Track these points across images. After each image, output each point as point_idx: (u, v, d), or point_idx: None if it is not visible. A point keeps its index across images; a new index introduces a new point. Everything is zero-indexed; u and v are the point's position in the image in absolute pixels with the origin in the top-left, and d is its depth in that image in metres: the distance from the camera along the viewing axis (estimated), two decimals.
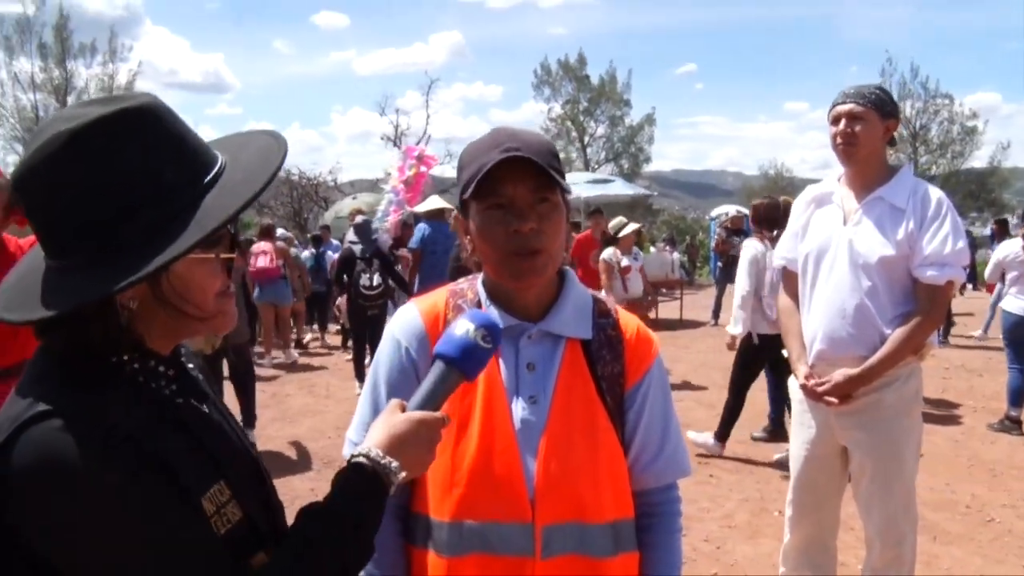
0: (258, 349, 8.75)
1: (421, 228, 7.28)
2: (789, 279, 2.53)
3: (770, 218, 4.72)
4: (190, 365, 0.94)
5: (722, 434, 4.90)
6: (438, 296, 1.21)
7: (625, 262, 6.58)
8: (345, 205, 16.01)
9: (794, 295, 2.48)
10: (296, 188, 26.20)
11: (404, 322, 1.18)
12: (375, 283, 6.71)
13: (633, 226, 6.86)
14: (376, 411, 1.13)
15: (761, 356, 4.77)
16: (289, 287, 8.91)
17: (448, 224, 7.25)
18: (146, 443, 0.77)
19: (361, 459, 0.87)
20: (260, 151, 0.86)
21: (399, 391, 1.13)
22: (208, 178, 0.81)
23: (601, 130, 37.86)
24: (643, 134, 37.60)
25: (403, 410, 0.93)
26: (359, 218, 7.43)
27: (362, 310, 6.76)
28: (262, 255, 8.60)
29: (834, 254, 2.32)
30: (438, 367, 0.95)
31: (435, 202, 7.76)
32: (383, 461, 0.87)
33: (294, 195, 26.24)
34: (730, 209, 15.45)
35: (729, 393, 4.86)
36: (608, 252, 6.65)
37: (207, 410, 0.90)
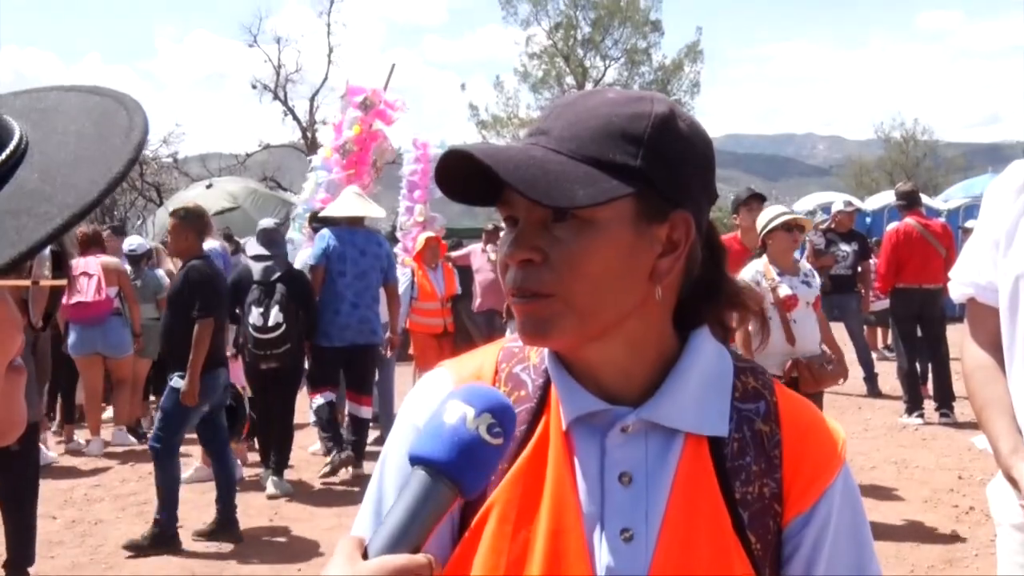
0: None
1: (325, 237, 7.58)
2: (980, 318, 2.48)
3: None
4: None
5: None
6: (484, 358, 1.25)
7: (784, 288, 5.63)
8: (194, 195, 15.91)
9: (993, 343, 2.43)
10: None
11: (428, 401, 1.19)
12: (272, 321, 6.93)
13: (785, 214, 5.82)
14: None
15: None
16: (128, 329, 9.07)
17: (372, 232, 7.72)
18: None
19: None
20: (90, 116, 0.83)
21: None
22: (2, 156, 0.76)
23: (613, 72, 38.41)
24: (682, 78, 38.22)
25: (366, 553, 0.95)
26: (267, 222, 7.75)
27: (254, 363, 7.03)
28: (84, 278, 8.74)
29: None
30: (417, 479, 0.98)
31: (348, 205, 7.93)
32: None
33: None
34: (831, 199, 15.54)
35: None
36: (752, 269, 5.70)
37: None
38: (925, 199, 18.18)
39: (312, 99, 31.29)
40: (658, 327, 1.15)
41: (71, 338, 8.81)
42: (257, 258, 7.29)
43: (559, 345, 1.13)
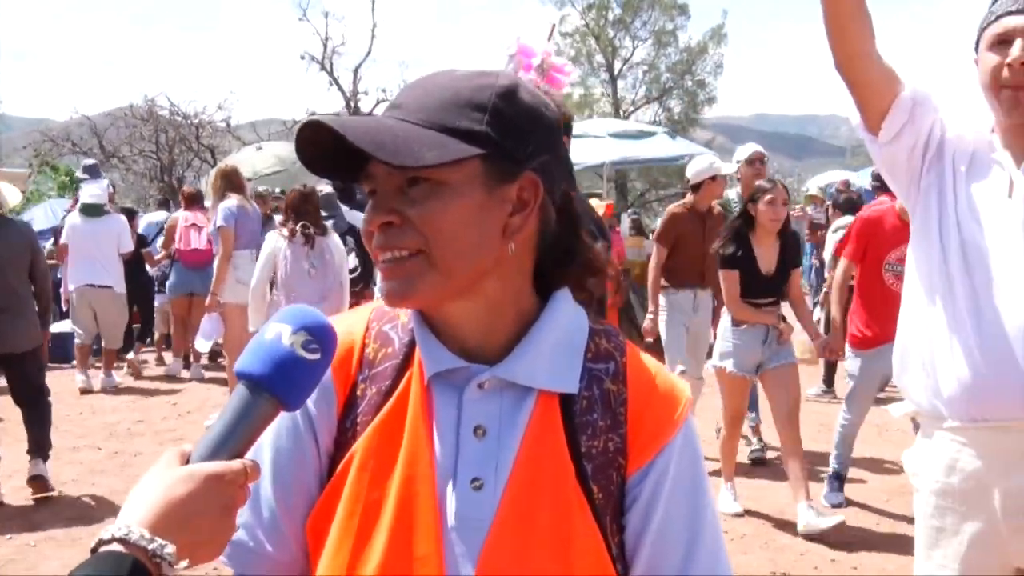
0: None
1: None
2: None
3: (299, 209, 6.27)
4: None
5: None
6: (356, 318, 1.23)
7: None
8: (245, 157, 15.95)
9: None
10: (165, 129, 26.09)
11: None
12: (351, 264, 7.24)
13: None
14: (255, 488, 1.14)
15: None
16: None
17: None
18: None
19: (114, 546, 0.86)
20: None
21: (290, 465, 1.16)
22: None
23: (641, 53, 38.06)
24: (706, 60, 37.78)
25: (185, 461, 0.95)
26: (325, 188, 8.18)
27: None
28: (193, 230, 9.59)
29: (1008, 245, 2.22)
30: (238, 393, 0.98)
31: None
32: (151, 546, 0.86)
33: (161, 140, 26.15)
34: (839, 178, 15.28)
35: None
36: None
37: None
38: None
39: (356, 70, 31.32)
40: (515, 287, 1.16)
41: (171, 279, 9.89)
42: (325, 217, 7.81)
43: (422, 303, 1.12)
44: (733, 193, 7.03)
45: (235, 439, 0.96)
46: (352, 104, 30.35)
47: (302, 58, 31.01)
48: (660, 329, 6.48)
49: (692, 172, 6.48)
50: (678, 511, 1.16)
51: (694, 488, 1.18)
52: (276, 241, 6.33)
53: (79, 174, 10.20)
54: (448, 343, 1.15)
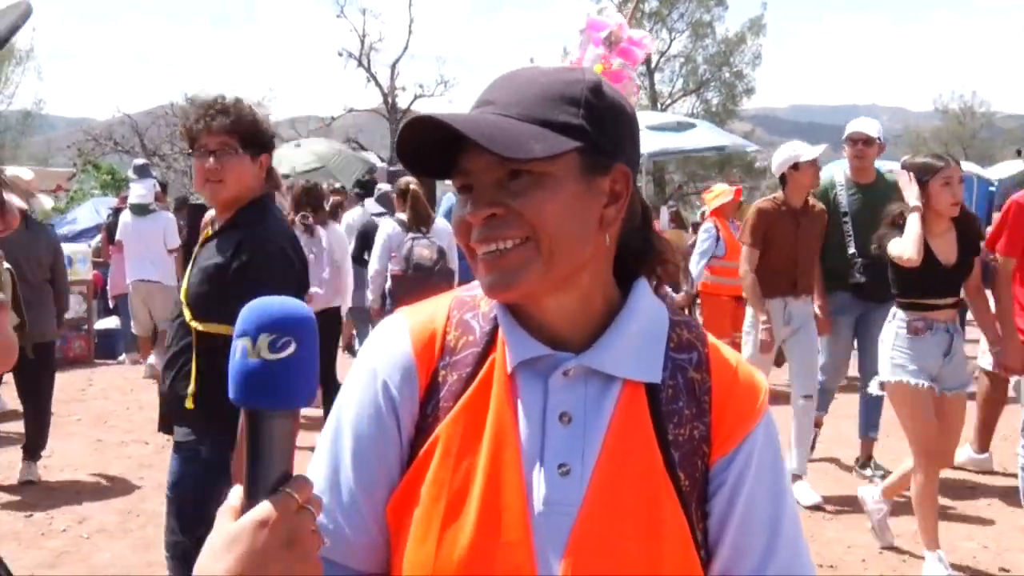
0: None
1: (449, 199, 8.34)
2: None
3: (300, 202, 7.07)
4: None
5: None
6: (437, 306, 1.25)
7: None
8: (283, 153, 16.08)
9: None
10: None
11: (385, 343, 1.21)
12: (433, 255, 7.42)
13: None
14: (335, 471, 1.16)
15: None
16: None
17: None
18: None
19: None
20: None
21: (371, 448, 1.17)
22: None
23: (678, 46, 37.83)
24: (744, 51, 37.53)
25: (242, 509, 0.92)
26: (384, 186, 8.81)
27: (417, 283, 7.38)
28: None
29: None
30: (243, 423, 0.94)
31: None
32: None
33: None
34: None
35: None
36: None
37: None
38: (978, 170, 16.92)
39: (393, 66, 31.51)
40: (604, 278, 1.18)
41: None
42: (380, 214, 8.47)
43: (524, 294, 1.12)
44: (841, 175, 6.22)
45: (267, 468, 0.91)
46: (390, 100, 30.51)
47: (340, 54, 31.30)
48: (747, 344, 5.72)
49: (774, 165, 5.77)
50: (762, 497, 1.17)
51: (775, 475, 1.20)
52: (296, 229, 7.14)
53: (129, 174, 10.66)
54: (533, 331, 1.16)
